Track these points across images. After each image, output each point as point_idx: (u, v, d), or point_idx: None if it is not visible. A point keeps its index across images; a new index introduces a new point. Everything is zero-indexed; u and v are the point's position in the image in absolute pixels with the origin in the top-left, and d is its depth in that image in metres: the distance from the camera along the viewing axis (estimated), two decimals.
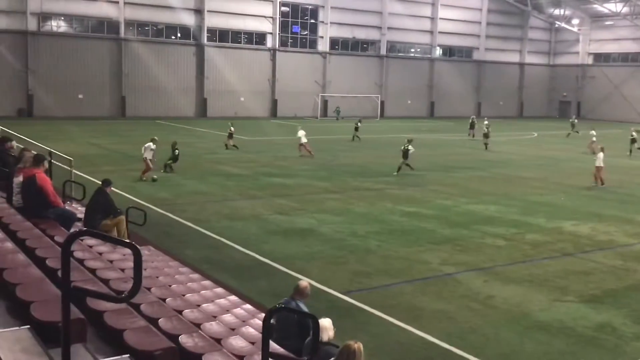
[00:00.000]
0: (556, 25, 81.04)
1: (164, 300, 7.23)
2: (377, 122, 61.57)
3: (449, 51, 75.75)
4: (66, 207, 11.66)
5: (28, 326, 4.63)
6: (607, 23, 76.76)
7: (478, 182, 25.49)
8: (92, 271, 7.26)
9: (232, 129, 34.53)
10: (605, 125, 59.97)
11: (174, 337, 5.55)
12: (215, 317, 7.65)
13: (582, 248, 15.59)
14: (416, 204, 20.54)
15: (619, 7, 70.91)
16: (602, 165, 24.92)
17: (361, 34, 68.69)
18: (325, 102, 66.11)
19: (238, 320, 8.16)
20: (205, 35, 59.10)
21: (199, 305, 8.05)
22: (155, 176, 23.01)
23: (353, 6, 66.66)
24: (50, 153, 16.94)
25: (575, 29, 79.29)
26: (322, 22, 66.02)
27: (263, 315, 7.46)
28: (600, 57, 79.39)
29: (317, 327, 5.98)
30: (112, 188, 13.07)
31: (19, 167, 10.59)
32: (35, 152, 11.38)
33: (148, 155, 23.13)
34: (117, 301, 5.29)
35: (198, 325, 6.55)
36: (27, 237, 7.52)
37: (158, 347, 5.00)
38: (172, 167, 24.95)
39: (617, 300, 11.82)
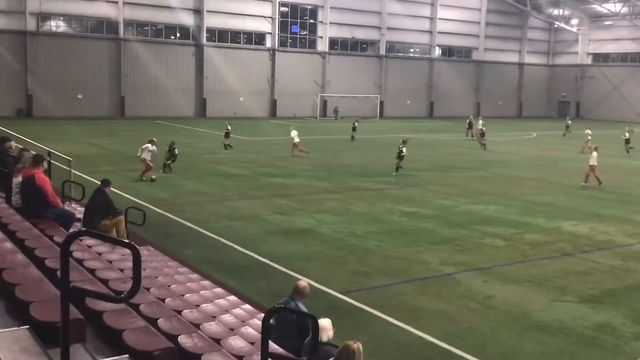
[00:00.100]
0: (555, 26, 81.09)
1: (163, 300, 7.23)
2: (376, 122, 61.60)
3: (448, 51, 75.77)
4: (65, 207, 11.65)
5: (27, 326, 4.63)
6: (606, 23, 76.82)
7: (477, 182, 25.51)
8: (92, 271, 7.26)
9: (229, 127, 34.57)
10: (605, 125, 60.03)
11: (173, 338, 5.55)
12: (214, 317, 7.65)
13: (581, 248, 15.60)
14: (415, 204, 20.54)
15: (618, 7, 70.96)
16: (595, 164, 24.95)
17: (360, 34, 68.71)
18: (324, 102, 66.12)
19: (237, 320, 8.16)
20: (204, 35, 59.09)
21: (198, 306, 8.04)
22: (153, 176, 23.00)
23: (352, 6, 66.67)
24: (49, 153, 16.94)
25: (574, 29, 79.34)
26: (322, 22, 66.02)
27: (262, 315, 7.47)
28: (599, 57, 79.45)
29: (316, 327, 5.98)
30: (111, 188, 13.05)
31: (18, 167, 10.59)
32: (34, 152, 11.37)
33: (146, 156, 23.11)
34: (116, 301, 5.30)
35: (197, 326, 6.55)
36: (26, 237, 7.52)
37: (157, 348, 5.00)
38: (171, 167, 24.93)
39: (616, 300, 11.82)
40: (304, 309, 7.50)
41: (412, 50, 73.70)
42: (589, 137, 37.62)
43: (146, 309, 6.24)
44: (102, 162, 27.14)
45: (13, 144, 13.84)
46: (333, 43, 67.05)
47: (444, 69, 74.06)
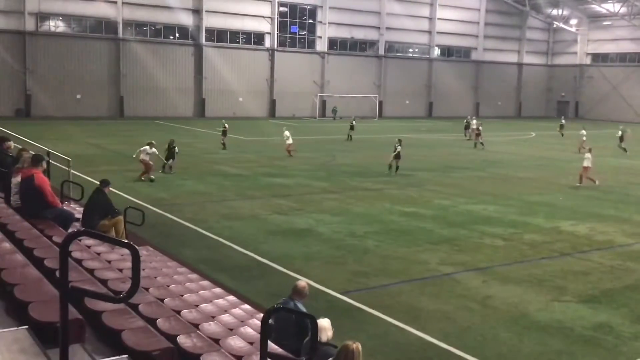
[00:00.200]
0: (554, 26, 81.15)
1: (162, 300, 7.23)
2: (375, 122, 61.63)
3: (447, 51, 75.80)
4: (64, 207, 11.64)
5: (26, 326, 4.63)
6: (605, 23, 76.87)
7: (476, 182, 25.52)
8: (91, 271, 7.26)
9: (226, 125, 34.58)
10: (604, 125, 60.07)
11: (172, 338, 5.55)
12: (213, 317, 7.65)
13: (580, 248, 15.60)
14: (414, 204, 20.55)
15: (616, 8, 70.99)
16: (589, 165, 24.97)
17: (359, 34, 68.72)
18: (323, 102, 66.13)
19: (236, 320, 8.16)
20: (203, 35, 59.09)
21: (197, 306, 8.04)
22: (152, 176, 22.99)
23: (351, 6, 66.68)
24: (48, 153, 16.95)
25: (573, 29, 79.39)
26: (321, 22, 66.03)
27: (261, 315, 7.47)
28: (598, 57, 79.51)
29: (315, 327, 5.99)
30: (110, 188, 13.04)
31: (17, 167, 10.59)
32: (33, 153, 11.37)
33: (145, 157, 23.08)
34: (115, 301, 5.29)
35: (196, 326, 6.55)
36: (25, 238, 7.52)
37: (156, 348, 5.00)
38: (171, 167, 24.85)
39: (615, 300, 11.82)
40: (303, 309, 7.50)
41: (411, 50, 73.72)
42: (584, 138, 37.73)
43: (145, 309, 6.24)
44: (101, 162, 27.13)
45: (12, 144, 13.83)
46: (332, 43, 67.06)
47: (443, 69, 74.09)
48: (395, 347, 9.47)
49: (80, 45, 53.66)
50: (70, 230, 9.45)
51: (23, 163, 10.62)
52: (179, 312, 6.90)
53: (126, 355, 4.80)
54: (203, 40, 59.15)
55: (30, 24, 51.41)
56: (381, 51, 69.91)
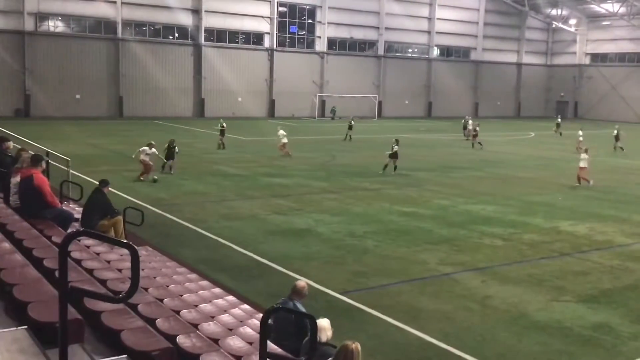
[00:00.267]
0: (553, 26, 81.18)
1: (161, 300, 7.23)
2: (374, 122, 61.63)
3: (446, 51, 75.82)
4: (63, 208, 11.64)
5: (25, 326, 4.63)
6: (604, 23, 76.92)
7: (475, 182, 25.53)
8: (90, 271, 7.26)
9: (224, 125, 34.58)
10: (603, 125, 60.09)
11: (171, 338, 5.55)
12: (212, 317, 7.65)
13: (579, 248, 15.61)
14: (414, 204, 20.55)
15: (616, 8, 71.04)
16: (585, 166, 25.01)
17: (359, 34, 68.72)
18: (322, 102, 66.13)
19: (236, 320, 8.16)
20: (202, 35, 59.07)
21: (196, 306, 8.04)
22: (155, 177, 22.96)
23: (350, 6, 66.68)
24: (47, 153, 16.97)
25: (572, 29, 79.42)
26: (320, 22, 66.02)
27: (261, 315, 7.47)
28: (597, 57, 79.55)
29: (314, 328, 5.99)
30: (110, 188, 13.04)
31: (16, 167, 10.59)
32: (32, 153, 11.37)
33: (145, 158, 23.06)
34: (114, 301, 5.29)
35: (196, 326, 6.55)
36: (24, 238, 7.52)
37: (155, 348, 5.00)
38: (171, 167, 24.78)
39: (614, 300, 11.83)
40: (302, 309, 7.50)
41: (410, 50, 73.73)
42: (581, 138, 37.83)
43: (144, 309, 6.24)
44: (100, 162, 27.11)
45: (11, 144, 13.82)
46: (331, 43, 67.06)
47: (442, 69, 74.11)
48: (395, 347, 9.47)
49: (79, 45, 53.63)
50: (69, 231, 9.45)
51: (22, 163, 10.62)
52: (178, 312, 6.90)
53: (125, 356, 4.80)
54: (202, 40, 59.13)
55: (29, 24, 51.38)
56: (380, 51, 69.92)
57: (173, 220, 17.08)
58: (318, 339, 6.57)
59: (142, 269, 9.32)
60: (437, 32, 73.10)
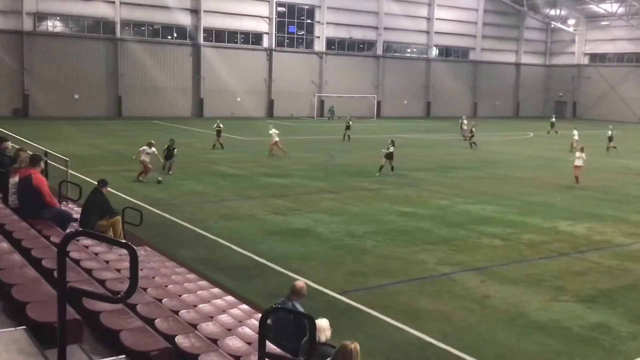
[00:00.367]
0: (552, 26, 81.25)
1: (160, 300, 7.22)
2: (373, 122, 61.65)
3: (445, 51, 75.86)
4: (62, 208, 11.62)
5: (24, 327, 4.62)
6: (603, 23, 76.98)
7: (474, 182, 25.53)
8: (88, 272, 7.25)
9: (220, 125, 34.57)
10: (602, 125, 60.10)
11: (170, 338, 5.54)
12: (211, 317, 7.64)
13: (578, 248, 15.62)
14: (412, 204, 20.55)
15: (614, 8, 71.09)
16: (581, 165, 25.09)
17: (358, 34, 68.73)
18: (321, 102, 66.13)
19: (234, 320, 8.16)
20: (201, 35, 59.05)
21: (195, 306, 8.04)
22: (160, 178, 22.89)
23: (349, 6, 66.69)
24: (46, 153, 16.95)
25: (571, 30, 79.48)
26: (319, 22, 66.02)
27: (259, 315, 7.46)
28: (596, 58, 79.61)
29: (313, 328, 5.99)
30: (108, 188, 13.03)
31: (15, 167, 10.59)
32: (31, 153, 11.36)
33: (145, 158, 23.04)
34: (113, 302, 5.28)
35: (194, 326, 6.55)
36: (23, 238, 7.51)
37: (154, 348, 5.00)
38: (170, 167, 24.71)
39: (613, 300, 11.84)
40: (301, 309, 7.49)
41: (409, 50, 73.77)
42: (576, 138, 37.92)
43: (143, 309, 6.23)
44: (99, 162, 27.09)
45: (9, 144, 13.81)
46: (330, 43, 67.08)
47: (441, 69, 74.14)
48: (394, 347, 9.47)
49: (78, 45, 53.60)
50: (68, 231, 9.44)
51: (21, 163, 10.61)
52: (177, 312, 6.90)
53: (124, 356, 4.80)
54: (201, 40, 59.11)
55: (28, 24, 51.35)
56: (379, 51, 69.94)
57: (172, 221, 17.07)
58: (317, 339, 6.57)
59: (141, 269, 9.33)
60: (435, 32, 73.13)
